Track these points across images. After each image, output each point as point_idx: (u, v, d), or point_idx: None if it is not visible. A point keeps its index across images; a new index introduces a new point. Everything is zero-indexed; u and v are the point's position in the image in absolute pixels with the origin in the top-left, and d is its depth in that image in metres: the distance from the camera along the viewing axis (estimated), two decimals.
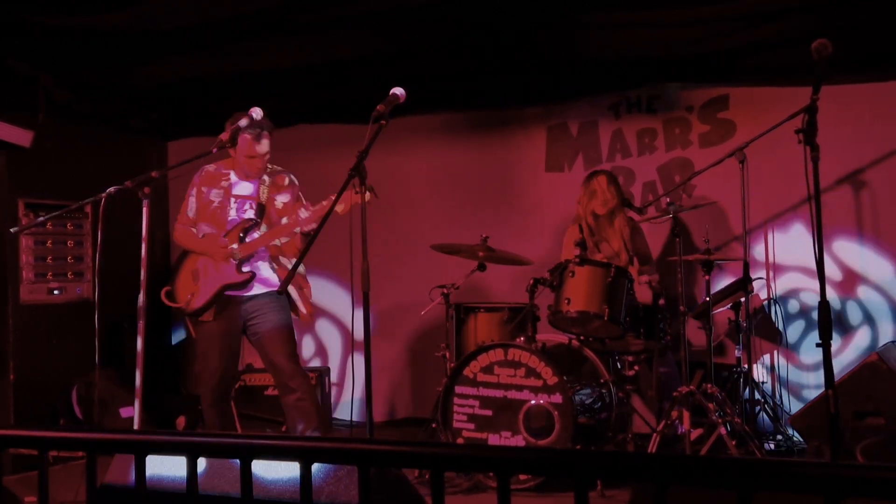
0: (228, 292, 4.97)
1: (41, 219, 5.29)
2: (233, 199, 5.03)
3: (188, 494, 2.16)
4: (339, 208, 4.25)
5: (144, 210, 4.18)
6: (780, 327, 6.08)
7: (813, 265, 3.46)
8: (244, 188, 5.06)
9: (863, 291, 6.02)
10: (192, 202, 5.13)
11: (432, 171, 7.28)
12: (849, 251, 6.04)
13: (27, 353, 6.30)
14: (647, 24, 5.49)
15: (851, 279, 6.04)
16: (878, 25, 5.30)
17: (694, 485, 1.79)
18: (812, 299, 6.09)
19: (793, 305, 6.18)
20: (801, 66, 4.50)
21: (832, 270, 5.99)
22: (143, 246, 4.23)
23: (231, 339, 5.05)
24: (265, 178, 5.04)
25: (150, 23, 5.37)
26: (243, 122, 4.63)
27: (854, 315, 6.02)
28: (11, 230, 5.02)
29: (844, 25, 5.26)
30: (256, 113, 4.63)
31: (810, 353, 6.08)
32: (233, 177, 5.06)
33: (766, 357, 6.18)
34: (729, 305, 5.69)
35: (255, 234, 4.94)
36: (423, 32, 5.65)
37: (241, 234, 4.93)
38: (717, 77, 6.38)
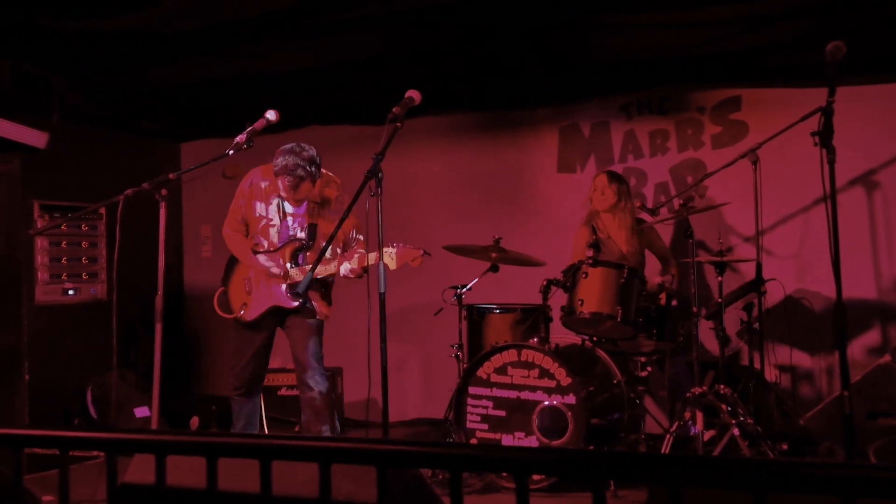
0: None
1: (59, 220, 5.32)
2: (281, 217, 5.04)
3: (208, 494, 2.18)
4: (390, 263, 4.39)
5: (161, 212, 4.21)
6: (794, 328, 6.07)
7: (828, 266, 3.46)
8: (294, 205, 5.04)
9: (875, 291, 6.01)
10: (243, 212, 5.14)
11: (445, 173, 7.29)
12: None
13: (42, 353, 6.34)
14: (659, 25, 5.48)
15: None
16: (890, 26, 5.29)
17: (709, 486, 1.80)
18: (826, 302, 6.09)
19: (807, 306, 6.17)
20: (813, 68, 4.50)
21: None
22: (161, 248, 4.26)
23: (266, 342, 5.16)
24: (315, 197, 5.03)
25: (162, 25, 5.39)
26: (259, 125, 4.65)
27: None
28: (30, 231, 5.05)
29: (856, 26, 5.25)
30: (271, 114, 4.65)
31: (823, 354, 6.07)
32: (283, 193, 5.00)
33: (779, 358, 6.17)
34: (741, 307, 5.69)
35: (303, 258, 4.97)
36: (436, 34, 5.65)
37: (293, 256, 4.96)
38: (729, 78, 6.37)
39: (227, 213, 5.23)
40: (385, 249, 4.08)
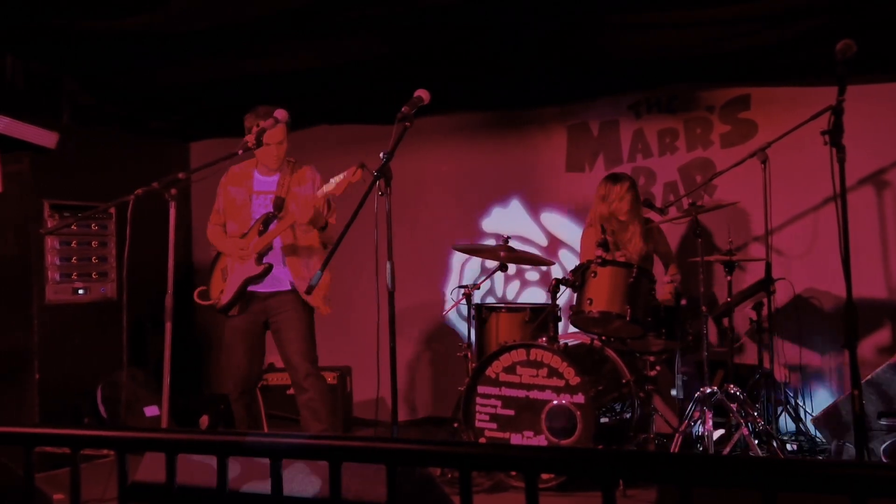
0: (251, 287, 5.08)
1: (69, 219, 5.33)
2: (254, 196, 5.15)
3: (218, 493, 2.19)
4: (335, 192, 4.45)
5: (171, 211, 4.22)
6: (803, 327, 6.06)
7: (838, 265, 3.45)
8: (265, 184, 5.18)
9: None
10: (220, 201, 5.28)
11: (453, 172, 7.29)
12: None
13: (52, 352, 6.36)
14: (667, 24, 5.48)
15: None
16: None
17: (718, 485, 1.80)
18: (836, 301, 6.07)
19: (816, 305, 6.16)
20: (823, 66, 4.49)
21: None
22: (171, 247, 4.27)
23: (255, 335, 5.17)
24: (287, 171, 5.12)
25: (171, 26, 5.41)
26: (267, 125, 4.67)
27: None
28: (41, 231, 5.06)
29: (867, 24, 5.24)
30: (281, 115, 4.67)
31: (833, 353, 6.05)
32: (256, 174, 5.19)
33: (788, 357, 6.16)
34: (751, 306, 5.69)
35: (274, 224, 5.04)
36: (444, 33, 5.66)
37: (262, 228, 5.03)
38: (738, 77, 6.36)
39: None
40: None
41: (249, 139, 4.55)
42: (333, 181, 4.43)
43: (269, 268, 5.03)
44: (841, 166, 3.32)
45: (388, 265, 3.79)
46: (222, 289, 5.16)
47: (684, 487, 1.75)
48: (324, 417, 4.99)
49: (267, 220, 5.05)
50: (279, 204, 5.08)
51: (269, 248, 5.05)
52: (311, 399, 5.00)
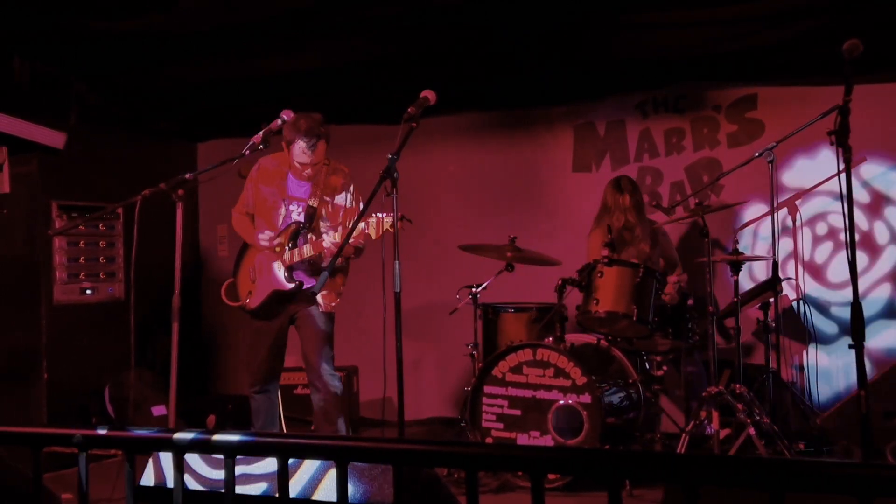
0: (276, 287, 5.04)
1: (77, 220, 5.34)
2: (286, 201, 5.04)
3: (225, 493, 2.20)
4: (371, 232, 4.37)
5: (178, 212, 4.23)
6: (809, 326, 6.05)
7: (845, 264, 3.45)
8: (298, 188, 5.04)
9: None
10: (250, 195, 5.18)
11: (460, 172, 7.30)
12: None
13: (60, 352, 6.39)
14: (674, 23, 5.47)
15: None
16: None
17: (725, 485, 1.80)
18: (843, 300, 6.06)
19: (822, 304, 6.15)
20: (829, 66, 4.48)
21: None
22: (178, 248, 4.27)
23: (278, 336, 5.13)
24: (322, 177, 5.01)
25: (178, 26, 5.43)
26: (275, 125, 4.66)
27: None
28: (49, 232, 5.07)
29: (874, 24, 5.23)
30: (289, 115, 4.66)
31: (840, 353, 6.04)
32: (290, 177, 5.04)
33: (795, 357, 6.15)
34: (757, 306, 5.68)
35: (303, 240, 4.93)
36: (450, 33, 5.66)
37: (292, 238, 4.95)
38: (744, 76, 6.35)
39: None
40: (368, 220, 4.33)
41: (256, 139, 4.52)
42: (371, 224, 4.41)
43: (300, 285, 4.95)
44: (847, 166, 3.32)
45: (396, 265, 3.80)
46: (251, 290, 5.08)
47: (690, 487, 1.75)
48: (334, 419, 4.99)
49: (296, 234, 4.95)
50: (311, 214, 4.98)
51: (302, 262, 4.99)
52: (323, 399, 4.99)
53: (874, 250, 6.01)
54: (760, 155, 5.13)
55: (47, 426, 4.88)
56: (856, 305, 3.31)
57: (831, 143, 3.36)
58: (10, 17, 5.30)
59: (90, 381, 6.40)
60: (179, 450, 2.25)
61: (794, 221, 5.81)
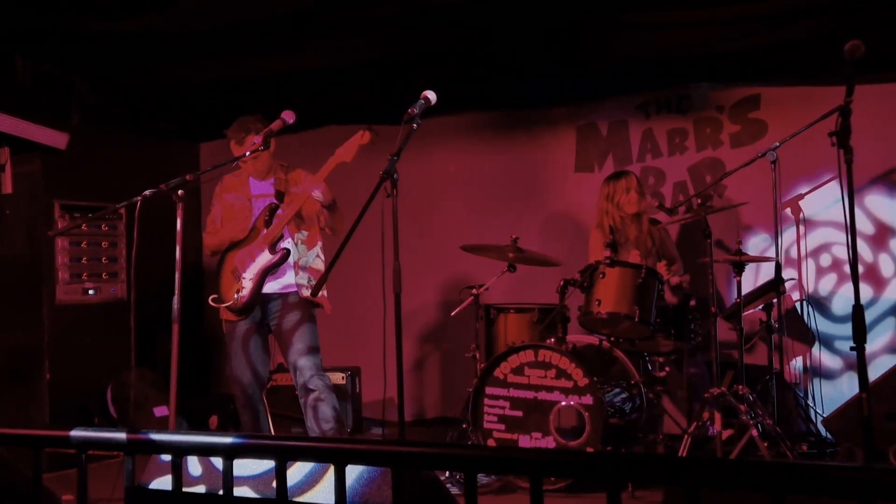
0: (269, 278, 5.06)
1: (79, 220, 5.34)
2: (253, 200, 5.17)
3: (224, 495, 2.19)
4: (346, 157, 4.66)
5: (179, 212, 4.22)
6: (813, 328, 6.03)
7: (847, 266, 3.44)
8: (262, 188, 5.19)
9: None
10: (217, 210, 5.28)
11: (462, 172, 7.29)
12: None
13: (62, 352, 6.38)
14: (674, 23, 5.47)
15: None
16: None
17: (726, 487, 1.79)
18: (845, 302, 6.05)
19: (826, 306, 6.13)
20: (832, 66, 4.47)
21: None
22: (178, 248, 4.26)
23: (258, 339, 5.14)
24: (282, 174, 5.18)
25: (180, 26, 5.43)
26: (275, 126, 4.66)
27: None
28: (50, 232, 5.06)
29: (876, 24, 5.21)
30: (289, 116, 4.66)
31: (843, 354, 6.03)
32: (251, 181, 5.20)
33: (798, 358, 6.14)
34: (760, 306, 5.66)
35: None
36: (452, 33, 5.66)
37: (268, 218, 5.04)
38: (747, 76, 6.34)
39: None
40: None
41: (256, 139, 4.54)
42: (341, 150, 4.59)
43: (287, 253, 5.01)
44: (848, 167, 3.31)
45: (396, 266, 3.79)
46: (238, 288, 5.08)
47: (691, 490, 1.74)
48: (330, 419, 4.98)
49: (272, 210, 5.06)
50: (280, 195, 5.11)
51: (281, 236, 5.02)
52: (317, 399, 4.97)
53: (879, 283, 5.99)
54: (763, 155, 5.13)
55: (49, 426, 4.87)
56: (857, 307, 3.29)
57: (832, 144, 3.35)
58: (11, 17, 5.31)
59: (92, 381, 6.40)
60: (178, 451, 2.24)
61: (796, 221, 5.80)
